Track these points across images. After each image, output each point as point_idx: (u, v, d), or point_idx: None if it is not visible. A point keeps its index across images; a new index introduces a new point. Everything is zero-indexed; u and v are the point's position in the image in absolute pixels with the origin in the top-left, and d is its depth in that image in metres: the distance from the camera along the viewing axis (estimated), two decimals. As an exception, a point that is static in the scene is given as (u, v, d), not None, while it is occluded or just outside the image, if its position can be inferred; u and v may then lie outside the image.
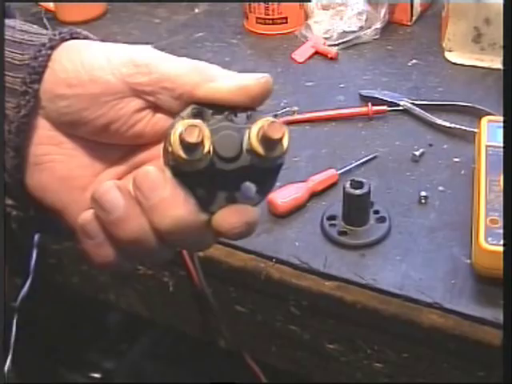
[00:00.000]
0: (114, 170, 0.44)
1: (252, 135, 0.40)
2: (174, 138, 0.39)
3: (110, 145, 0.43)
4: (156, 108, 0.42)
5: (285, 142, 0.40)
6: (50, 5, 1.17)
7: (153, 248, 0.42)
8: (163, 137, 0.41)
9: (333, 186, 0.80)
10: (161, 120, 0.43)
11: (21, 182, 0.43)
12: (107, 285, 0.89)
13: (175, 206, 0.40)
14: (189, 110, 0.41)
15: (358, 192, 0.72)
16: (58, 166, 0.43)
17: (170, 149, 0.39)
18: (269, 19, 1.09)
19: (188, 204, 0.41)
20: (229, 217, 0.41)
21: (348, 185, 0.73)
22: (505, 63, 0.73)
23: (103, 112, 0.41)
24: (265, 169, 0.41)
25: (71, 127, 0.42)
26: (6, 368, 0.82)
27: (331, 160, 0.83)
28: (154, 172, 0.41)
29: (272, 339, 0.78)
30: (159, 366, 1.24)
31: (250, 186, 0.42)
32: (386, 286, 0.69)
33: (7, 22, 0.44)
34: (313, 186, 0.79)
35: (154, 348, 1.27)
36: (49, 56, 0.41)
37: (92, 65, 0.41)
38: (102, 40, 0.45)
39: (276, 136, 0.39)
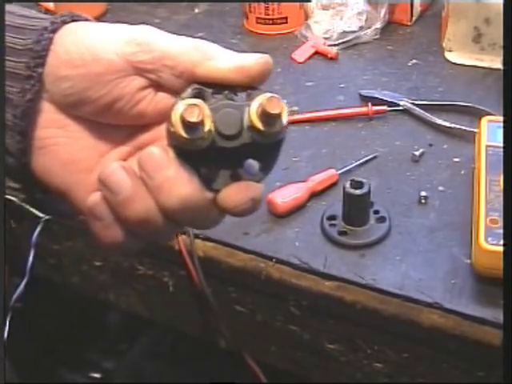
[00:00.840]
0: (118, 151, 0.44)
1: (252, 112, 0.41)
2: (175, 118, 0.40)
3: (114, 126, 0.44)
4: (158, 86, 0.43)
5: (284, 117, 0.41)
6: (50, 5, 1.17)
7: (160, 227, 0.42)
8: (166, 117, 0.42)
9: (333, 185, 0.80)
10: (163, 99, 0.43)
11: (27, 166, 0.43)
12: (107, 285, 0.89)
13: (180, 185, 0.41)
14: (189, 90, 0.41)
15: (358, 192, 0.72)
16: (62, 148, 0.43)
17: (171, 129, 0.40)
18: (269, 19, 1.09)
19: (193, 182, 0.41)
20: (234, 194, 0.42)
21: (348, 185, 0.73)
22: (505, 63, 0.73)
23: (107, 91, 0.42)
24: (266, 145, 0.42)
25: (75, 108, 0.42)
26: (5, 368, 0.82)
27: (331, 160, 0.83)
28: (157, 152, 0.41)
29: (272, 339, 0.78)
30: (159, 365, 1.24)
31: (253, 163, 0.42)
32: (386, 286, 0.69)
33: (7, 7, 0.44)
34: (313, 186, 0.79)
35: (153, 348, 1.27)
36: (51, 39, 0.42)
37: (94, 45, 0.42)
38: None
39: (275, 111, 0.40)
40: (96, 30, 0.43)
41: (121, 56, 0.41)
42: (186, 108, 0.39)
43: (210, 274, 0.78)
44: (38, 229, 0.86)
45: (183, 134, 0.40)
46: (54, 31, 0.42)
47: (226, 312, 0.79)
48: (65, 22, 0.43)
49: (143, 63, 0.42)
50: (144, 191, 0.41)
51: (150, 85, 0.42)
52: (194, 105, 0.39)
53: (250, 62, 0.42)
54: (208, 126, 0.40)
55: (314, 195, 0.79)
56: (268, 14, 1.09)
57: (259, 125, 0.41)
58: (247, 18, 1.11)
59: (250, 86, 0.42)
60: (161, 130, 0.43)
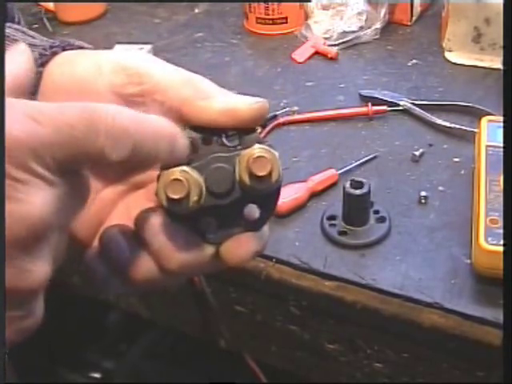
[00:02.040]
0: (113, 188, 0.44)
1: (241, 169, 0.39)
2: (159, 189, 0.38)
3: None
4: None
5: (274, 175, 0.39)
6: (50, 5, 1.17)
7: (163, 283, 0.42)
8: None
9: (333, 185, 0.80)
10: None
11: None
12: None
13: (178, 250, 0.40)
14: None
15: (358, 192, 0.72)
16: None
17: (157, 197, 0.39)
18: (269, 19, 1.09)
19: (190, 244, 0.40)
20: (236, 249, 0.40)
21: (348, 185, 0.73)
22: (505, 63, 0.73)
23: None
24: (261, 195, 0.40)
25: None
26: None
27: (331, 160, 0.83)
28: (152, 217, 0.40)
29: (272, 339, 0.78)
30: (159, 366, 1.24)
31: (253, 208, 0.41)
32: (386, 286, 0.69)
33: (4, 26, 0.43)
34: (313, 185, 0.79)
35: (153, 348, 1.27)
36: (40, 73, 0.41)
37: (82, 78, 0.40)
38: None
39: (261, 173, 0.38)
40: (85, 61, 0.41)
41: (109, 88, 0.40)
42: (170, 183, 0.38)
43: (209, 274, 0.78)
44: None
45: (168, 207, 0.38)
46: (43, 65, 0.41)
47: (226, 312, 0.79)
48: (55, 53, 0.42)
49: (132, 96, 0.40)
50: (144, 255, 0.40)
51: None
52: (178, 180, 0.37)
53: (244, 105, 0.39)
54: (196, 196, 0.38)
55: (314, 195, 0.79)
56: (268, 14, 1.09)
57: (249, 182, 0.39)
58: (247, 18, 1.12)
59: (242, 129, 0.40)
60: (156, 169, 0.42)
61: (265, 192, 0.40)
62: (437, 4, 1.13)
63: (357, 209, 0.73)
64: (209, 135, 0.40)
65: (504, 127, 0.60)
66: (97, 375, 1.25)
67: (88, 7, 1.16)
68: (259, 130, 0.41)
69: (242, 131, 0.40)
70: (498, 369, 0.64)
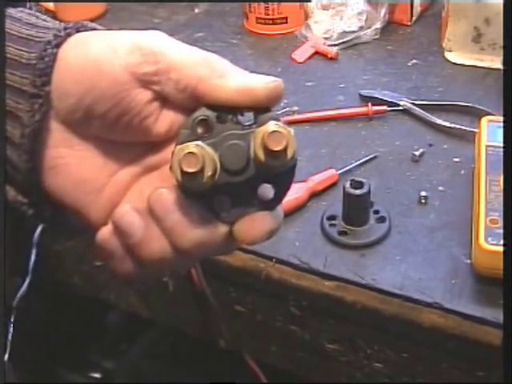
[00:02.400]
0: (128, 170, 0.44)
1: (256, 145, 0.39)
2: (174, 164, 0.38)
3: (123, 145, 0.43)
4: (164, 101, 0.41)
5: (289, 151, 0.39)
6: (50, 5, 1.17)
7: (175, 263, 0.42)
8: (174, 136, 0.41)
9: (333, 185, 0.80)
10: (169, 115, 0.42)
11: (37, 184, 0.42)
12: (107, 285, 0.89)
13: (191, 227, 0.40)
14: (192, 119, 0.40)
15: (357, 192, 0.72)
16: (71, 168, 0.42)
17: (172, 173, 0.39)
18: (269, 19, 1.09)
19: (204, 222, 0.40)
20: (250, 228, 0.40)
21: (348, 185, 0.73)
22: (505, 63, 0.73)
23: (112, 105, 0.40)
24: (276, 172, 0.40)
25: (82, 124, 0.42)
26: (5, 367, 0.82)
27: (331, 160, 0.83)
28: (166, 194, 0.40)
29: (272, 339, 0.78)
30: (159, 365, 1.24)
31: (267, 188, 0.41)
32: (386, 286, 0.69)
33: (13, 12, 0.43)
34: (313, 186, 0.79)
35: (153, 348, 1.27)
36: (55, 55, 0.41)
37: (98, 58, 0.40)
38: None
39: (277, 148, 0.38)
40: (99, 42, 0.41)
41: (125, 68, 0.40)
42: (184, 157, 0.38)
43: (209, 274, 0.78)
44: (39, 229, 0.86)
45: (183, 181, 0.38)
46: (58, 45, 0.41)
47: (226, 312, 0.79)
48: (69, 35, 0.41)
49: (148, 75, 0.40)
50: (157, 232, 0.41)
51: (156, 98, 0.41)
52: (192, 153, 0.38)
53: (260, 84, 0.39)
54: (210, 171, 0.38)
55: (314, 195, 0.79)
56: (268, 14, 1.09)
57: (264, 159, 0.38)
58: (247, 18, 1.11)
59: (257, 108, 0.40)
60: (170, 151, 0.41)
61: (279, 169, 0.40)
62: (437, 4, 1.13)
63: (357, 209, 0.73)
64: (224, 114, 0.40)
65: (504, 127, 0.60)
66: (97, 375, 1.25)
67: (88, 7, 1.16)
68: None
69: (258, 110, 0.40)
70: (497, 369, 0.64)
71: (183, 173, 0.38)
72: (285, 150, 0.38)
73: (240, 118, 0.40)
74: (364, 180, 0.73)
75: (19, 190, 0.43)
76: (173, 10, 1.19)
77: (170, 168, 0.39)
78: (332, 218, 0.75)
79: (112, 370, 1.26)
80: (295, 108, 0.92)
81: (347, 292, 0.70)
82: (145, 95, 0.41)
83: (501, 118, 0.77)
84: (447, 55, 1.01)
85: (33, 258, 0.87)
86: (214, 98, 0.40)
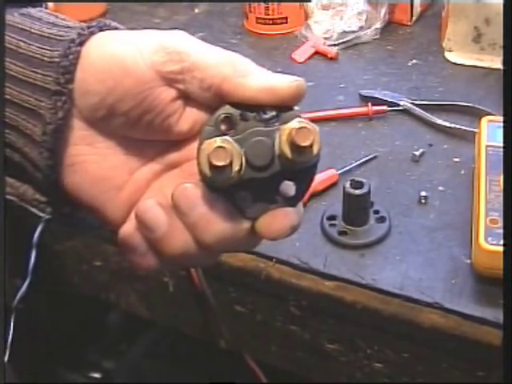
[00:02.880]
0: (148, 168, 0.44)
1: (282, 141, 0.39)
2: (202, 158, 0.39)
3: (144, 142, 0.43)
4: (187, 99, 0.42)
5: (315, 147, 0.40)
6: (50, 5, 1.17)
7: (198, 258, 0.42)
8: (196, 134, 0.41)
9: (333, 185, 0.80)
10: (192, 114, 0.42)
11: (56, 182, 0.42)
12: (107, 285, 0.89)
13: (215, 221, 0.40)
14: (216, 116, 0.40)
15: (357, 192, 0.72)
16: (91, 166, 0.42)
17: (198, 168, 0.39)
18: (269, 19, 1.09)
19: (228, 217, 0.40)
20: (272, 223, 0.41)
21: (348, 185, 0.73)
22: (505, 63, 0.73)
23: (136, 103, 0.41)
24: (300, 169, 0.41)
25: (105, 122, 0.42)
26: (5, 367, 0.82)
27: (331, 160, 0.83)
28: (191, 189, 0.41)
29: (272, 339, 0.78)
30: (159, 366, 1.24)
31: (289, 185, 0.42)
32: (386, 286, 0.69)
33: (33, 12, 0.43)
34: (313, 185, 0.78)
35: (153, 348, 1.27)
36: (78, 53, 0.41)
37: (122, 57, 0.40)
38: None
39: (304, 143, 0.39)
40: (124, 40, 0.41)
41: (150, 66, 0.40)
42: (213, 151, 0.38)
43: (210, 274, 0.78)
44: (39, 229, 0.86)
45: (210, 175, 0.39)
46: (82, 44, 0.41)
47: (226, 312, 0.79)
48: (92, 33, 0.41)
49: (173, 73, 0.40)
50: (180, 227, 0.41)
51: (179, 96, 0.41)
52: (221, 147, 0.38)
53: (283, 84, 0.41)
54: (237, 166, 0.39)
55: (314, 195, 0.79)
56: (268, 14, 1.09)
57: (290, 155, 0.39)
58: (247, 18, 1.11)
59: (280, 106, 0.41)
60: (191, 149, 0.42)
61: (304, 166, 0.41)
62: (437, 4, 1.13)
63: (357, 209, 0.73)
64: (247, 112, 0.40)
65: (504, 127, 0.60)
66: (97, 375, 1.25)
67: (88, 7, 1.16)
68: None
69: (280, 109, 0.41)
70: (497, 369, 0.64)
71: (212, 166, 0.38)
72: (311, 145, 0.39)
73: (263, 116, 0.40)
74: (364, 180, 0.73)
75: (38, 189, 0.43)
76: (173, 9, 1.19)
77: (197, 162, 0.39)
78: (332, 217, 0.75)
79: (112, 370, 1.26)
80: (295, 108, 0.92)
81: (347, 292, 0.70)
82: (168, 94, 0.41)
83: (501, 118, 0.77)
84: (447, 55, 1.01)
85: (33, 258, 0.87)
86: (237, 96, 0.40)
